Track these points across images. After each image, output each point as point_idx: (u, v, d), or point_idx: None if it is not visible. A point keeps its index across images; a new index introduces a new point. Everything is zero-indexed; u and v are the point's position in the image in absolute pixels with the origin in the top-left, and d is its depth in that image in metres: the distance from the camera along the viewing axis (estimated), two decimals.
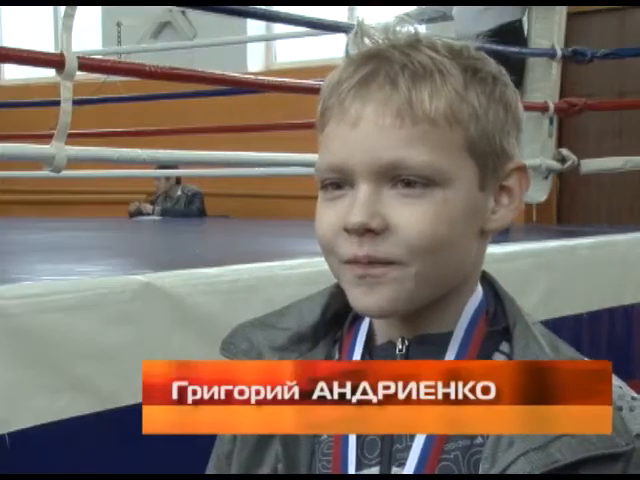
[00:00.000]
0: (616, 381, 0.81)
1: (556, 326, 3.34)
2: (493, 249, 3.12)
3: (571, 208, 6.20)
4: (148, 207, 6.96)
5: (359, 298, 0.79)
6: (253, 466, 0.85)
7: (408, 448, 0.79)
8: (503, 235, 3.99)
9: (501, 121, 0.81)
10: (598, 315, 3.40)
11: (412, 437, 0.79)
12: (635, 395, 0.81)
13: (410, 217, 0.76)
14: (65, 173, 2.36)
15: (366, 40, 0.81)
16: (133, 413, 1.86)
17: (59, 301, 1.77)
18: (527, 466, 0.73)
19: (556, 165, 4.42)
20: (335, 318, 0.89)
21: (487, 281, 0.87)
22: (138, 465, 1.84)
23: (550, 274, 3.35)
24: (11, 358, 1.66)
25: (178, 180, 6.93)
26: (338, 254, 0.79)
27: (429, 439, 0.78)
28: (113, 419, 1.82)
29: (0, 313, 1.65)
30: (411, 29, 0.81)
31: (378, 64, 0.78)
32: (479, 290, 0.85)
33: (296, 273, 2.25)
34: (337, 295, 0.88)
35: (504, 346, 0.82)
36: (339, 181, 0.79)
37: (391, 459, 0.80)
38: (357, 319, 0.88)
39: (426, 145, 0.76)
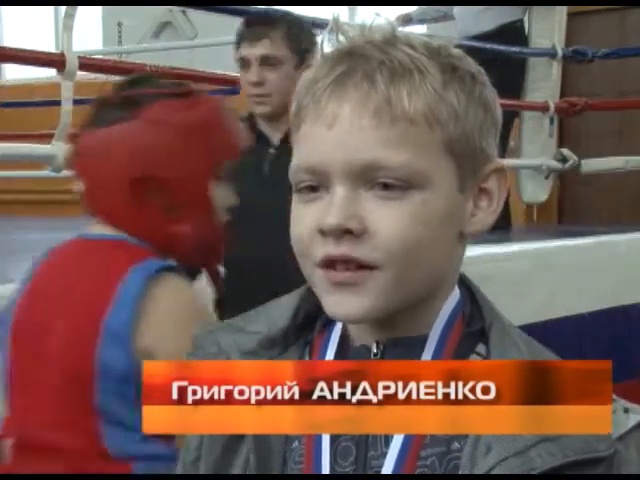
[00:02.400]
0: None
1: (557, 326, 3.35)
2: (493, 249, 3.12)
3: (571, 208, 6.20)
4: None
5: (334, 305, 0.77)
6: (221, 471, 0.83)
7: (383, 455, 0.77)
8: (503, 235, 3.99)
9: (480, 120, 0.79)
10: (598, 315, 3.40)
11: (387, 444, 0.77)
12: (615, 397, 0.78)
13: (388, 220, 0.74)
14: (66, 173, 2.36)
15: (341, 37, 0.79)
16: None
17: None
18: (506, 472, 0.72)
19: (557, 165, 4.42)
20: (306, 321, 0.86)
21: (464, 283, 0.85)
22: None
23: (550, 274, 3.35)
24: None
25: None
26: (312, 256, 0.77)
27: (404, 446, 0.77)
28: None
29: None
30: (387, 26, 0.78)
31: (355, 62, 0.76)
32: (456, 292, 0.83)
33: None
34: (308, 297, 0.85)
35: (480, 348, 0.81)
36: (315, 183, 0.77)
37: (366, 466, 0.78)
38: (329, 322, 0.85)
39: (404, 146, 0.74)
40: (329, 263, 0.76)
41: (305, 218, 0.77)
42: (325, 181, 0.76)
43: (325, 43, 0.79)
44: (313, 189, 0.77)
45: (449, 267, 0.81)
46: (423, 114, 0.75)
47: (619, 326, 3.59)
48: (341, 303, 0.76)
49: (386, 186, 0.75)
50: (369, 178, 0.75)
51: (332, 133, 0.75)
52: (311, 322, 0.87)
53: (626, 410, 0.78)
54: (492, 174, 0.80)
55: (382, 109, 0.74)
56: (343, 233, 0.74)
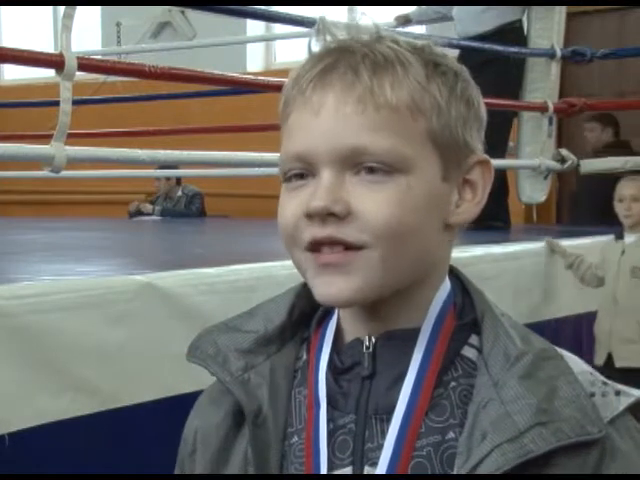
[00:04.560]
0: (586, 367, 0.81)
1: (557, 326, 3.35)
2: (493, 249, 3.12)
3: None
4: (148, 207, 6.96)
5: (323, 288, 0.78)
6: (218, 467, 0.84)
7: (380, 447, 0.78)
8: (503, 235, 4.00)
9: (463, 115, 0.80)
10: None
11: (383, 435, 0.78)
12: (606, 380, 0.80)
13: (374, 202, 0.76)
14: (65, 173, 2.36)
15: (328, 37, 0.81)
16: (133, 413, 1.86)
17: (59, 301, 1.77)
18: (501, 458, 0.73)
19: (556, 165, 4.42)
20: (302, 318, 0.88)
21: (454, 275, 0.86)
22: (138, 465, 1.84)
23: (550, 274, 3.35)
24: (11, 358, 1.66)
25: (179, 181, 6.93)
26: (299, 241, 0.78)
27: (400, 436, 0.78)
28: (113, 419, 1.82)
29: (0, 313, 1.65)
30: (372, 26, 0.81)
31: (339, 55, 0.79)
32: (447, 284, 0.84)
33: (296, 273, 2.24)
34: (303, 295, 0.87)
35: (473, 339, 0.81)
36: (302, 171, 0.79)
37: (363, 458, 0.79)
38: (324, 318, 0.87)
39: (388, 131, 0.76)
40: (316, 246, 0.77)
41: (291, 205, 0.79)
42: (312, 168, 0.78)
43: (313, 43, 0.82)
44: (301, 177, 0.79)
45: (436, 255, 0.82)
46: (406, 103, 0.77)
47: None
48: (329, 285, 0.77)
49: (371, 170, 0.76)
50: (354, 163, 0.77)
51: (318, 120, 0.77)
52: (307, 319, 0.88)
53: (617, 393, 0.79)
54: (476, 166, 0.82)
55: (365, 97, 0.76)
56: (328, 216, 0.76)
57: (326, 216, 0.76)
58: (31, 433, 1.67)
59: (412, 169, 0.77)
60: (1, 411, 1.63)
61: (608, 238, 3.42)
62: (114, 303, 1.86)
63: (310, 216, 0.77)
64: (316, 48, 0.81)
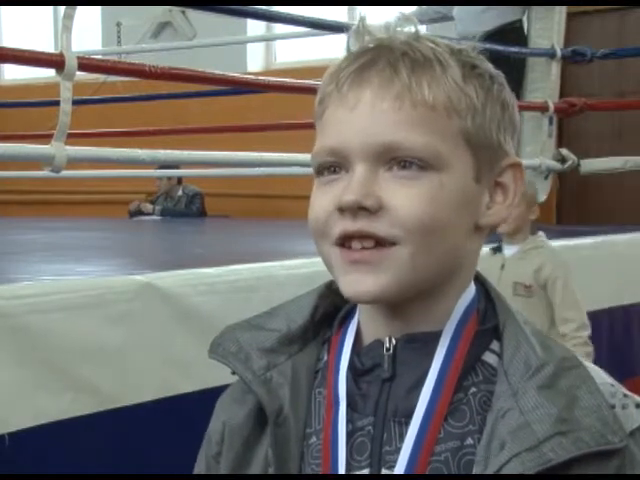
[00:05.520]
0: (608, 379, 0.81)
1: None
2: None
3: (571, 208, 6.20)
4: (148, 207, 6.96)
5: (352, 285, 0.78)
6: (241, 468, 0.84)
7: (398, 450, 0.78)
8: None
9: (498, 117, 0.81)
10: (598, 315, 3.40)
11: (402, 439, 0.78)
12: (627, 392, 0.80)
13: (405, 198, 0.76)
14: (65, 173, 2.36)
15: (367, 37, 0.81)
16: (133, 413, 1.86)
17: (59, 301, 1.77)
18: (520, 467, 0.72)
19: (556, 165, 4.42)
20: (324, 319, 0.88)
21: (478, 280, 0.86)
22: (138, 465, 1.84)
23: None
24: (11, 358, 1.66)
25: (179, 180, 6.93)
26: (330, 235, 0.78)
27: (418, 441, 0.77)
28: (113, 419, 1.82)
29: (0, 313, 1.65)
30: (412, 28, 0.81)
31: (379, 52, 0.79)
32: (472, 289, 0.84)
33: (296, 273, 2.24)
34: (325, 296, 0.87)
35: (494, 345, 0.81)
36: (335, 165, 0.79)
37: (381, 461, 0.79)
38: (346, 319, 0.87)
39: (424, 128, 0.76)
40: (346, 240, 0.77)
41: (324, 199, 0.79)
42: (346, 162, 0.78)
43: (351, 42, 0.82)
44: (334, 171, 0.79)
45: (464, 257, 0.82)
46: (443, 103, 0.77)
47: (619, 326, 3.59)
48: (357, 281, 0.77)
49: (404, 166, 0.77)
50: (388, 158, 0.77)
51: (354, 115, 0.77)
52: (329, 320, 0.88)
53: (638, 405, 0.79)
54: (508, 169, 0.82)
55: (403, 94, 0.76)
56: (360, 210, 0.76)
57: (357, 210, 0.76)
58: (31, 433, 1.67)
59: (445, 167, 0.77)
60: (1, 411, 1.63)
61: (483, 251, 3.34)
62: (114, 303, 1.86)
63: (342, 210, 0.77)
64: (354, 48, 0.81)
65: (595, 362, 3.14)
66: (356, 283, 0.77)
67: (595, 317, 3.34)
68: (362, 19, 0.83)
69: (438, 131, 0.77)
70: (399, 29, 0.81)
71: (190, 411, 1.88)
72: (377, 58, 0.78)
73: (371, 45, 0.80)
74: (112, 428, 1.83)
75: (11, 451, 1.62)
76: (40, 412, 1.69)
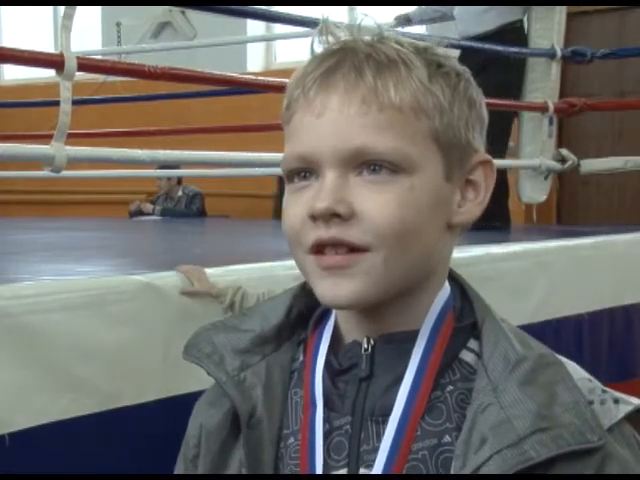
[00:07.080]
0: (585, 374, 0.81)
1: (557, 326, 3.34)
2: (493, 249, 3.12)
3: (571, 208, 6.20)
4: (148, 207, 6.96)
5: (327, 291, 0.78)
6: (218, 470, 0.84)
7: (375, 449, 0.78)
8: (503, 235, 3.99)
9: (466, 115, 0.80)
10: (598, 315, 3.40)
11: (379, 438, 0.78)
12: (605, 388, 0.80)
13: (377, 203, 0.75)
14: (65, 173, 2.35)
15: (330, 38, 0.81)
16: (133, 413, 1.86)
17: (59, 301, 1.77)
18: (502, 464, 0.72)
19: (556, 165, 4.42)
20: (299, 319, 0.88)
21: (454, 279, 0.86)
22: (138, 465, 1.84)
23: (550, 274, 3.35)
24: (11, 358, 1.66)
25: (179, 180, 6.93)
26: (303, 243, 0.78)
27: (396, 439, 0.77)
28: (113, 419, 1.82)
29: (0, 313, 1.65)
30: (375, 27, 0.81)
31: (343, 55, 0.78)
32: (446, 287, 0.84)
33: (296, 273, 2.24)
34: (300, 296, 0.87)
35: (472, 343, 0.81)
36: (305, 171, 0.79)
37: (359, 460, 0.79)
38: (322, 320, 0.87)
39: (392, 131, 0.76)
40: (320, 247, 0.77)
41: (296, 206, 0.79)
42: (315, 168, 0.78)
43: (315, 44, 0.82)
44: (304, 177, 0.79)
45: (438, 257, 0.82)
46: (409, 104, 0.77)
47: (619, 326, 3.58)
48: (332, 287, 0.77)
49: (374, 170, 0.76)
50: (358, 163, 0.77)
51: (321, 122, 0.77)
52: (304, 321, 0.88)
53: (616, 401, 0.79)
54: (478, 166, 0.82)
55: (369, 98, 0.76)
56: (332, 217, 0.76)
57: (330, 217, 0.76)
58: (31, 433, 1.67)
59: (416, 169, 0.77)
60: (1, 411, 1.63)
61: None
62: (114, 303, 1.86)
63: (314, 218, 0.76)
64: (319, 49, 0.81)
65: (595, 363, 3.14)
66: (332, 289, 0.77)
67: (595, 317, 3.34)
68: (325, 20, 0.83)
69: (406, 133, 0.77)
70: (363, 25, 0.81)
71: (190, 411, 1.87)
72: (342, 61, 0.78)
73: (335, 47, 0.80)
74: (112, 428, 1.83)
75: (11, 451, 1.62)
76: (40, 412, 1.69)
